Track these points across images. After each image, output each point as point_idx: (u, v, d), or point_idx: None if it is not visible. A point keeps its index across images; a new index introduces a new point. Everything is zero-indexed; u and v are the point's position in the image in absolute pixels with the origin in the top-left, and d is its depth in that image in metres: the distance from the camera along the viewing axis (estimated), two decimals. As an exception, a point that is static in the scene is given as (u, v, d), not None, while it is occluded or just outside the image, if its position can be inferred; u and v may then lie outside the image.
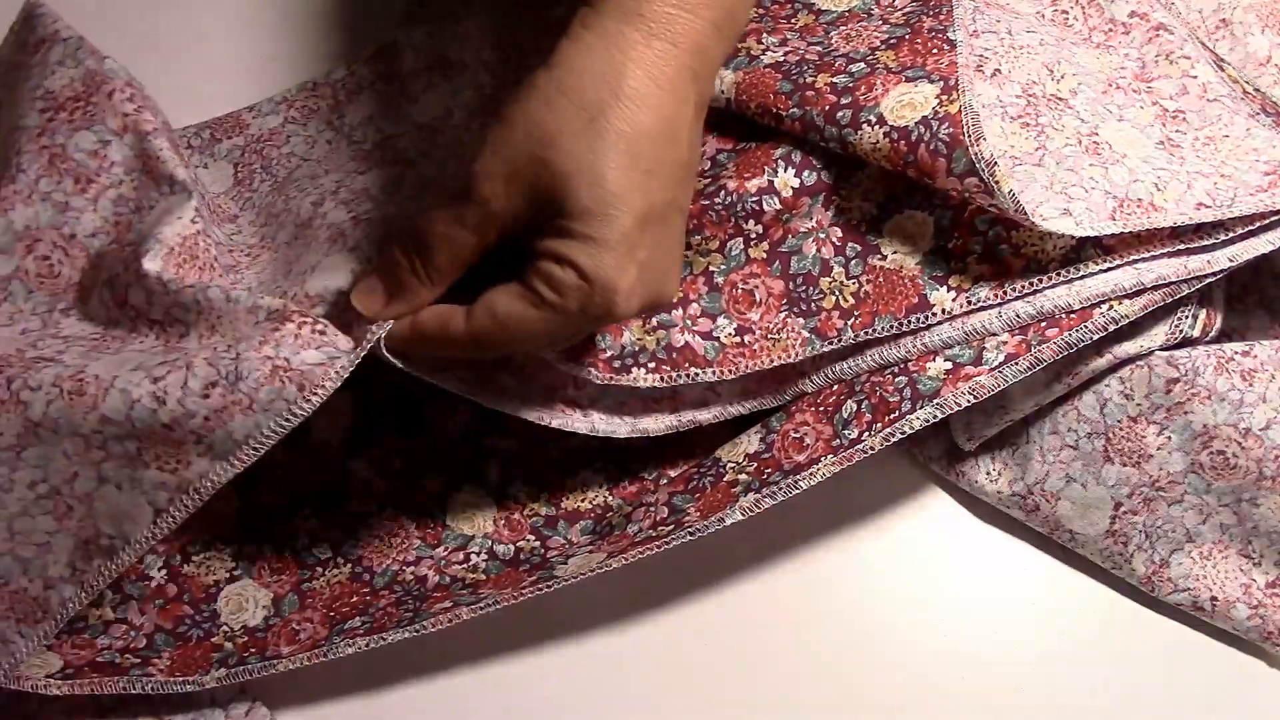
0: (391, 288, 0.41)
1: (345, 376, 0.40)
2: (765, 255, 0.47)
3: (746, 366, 0.46)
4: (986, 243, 0.45)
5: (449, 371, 0.44)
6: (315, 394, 0.40)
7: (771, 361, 0.46)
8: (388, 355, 0.41)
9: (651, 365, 0.46)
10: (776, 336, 0.46)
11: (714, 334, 0.47)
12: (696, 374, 0.46)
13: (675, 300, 0.46)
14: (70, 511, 0.42)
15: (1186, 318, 0.46)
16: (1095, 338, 0.43)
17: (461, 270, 0.41)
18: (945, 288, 0.45)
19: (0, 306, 0.46)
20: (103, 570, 0.42)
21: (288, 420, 0.40)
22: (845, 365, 0.47)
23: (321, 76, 0.58)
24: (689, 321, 0.47)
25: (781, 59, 0.48)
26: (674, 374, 0.46)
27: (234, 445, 0.40)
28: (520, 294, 0.39)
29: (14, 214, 0.45)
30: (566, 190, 0.38)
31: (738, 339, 0.47)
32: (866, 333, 0.45)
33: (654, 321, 0.47)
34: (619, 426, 0.47)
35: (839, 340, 0.46)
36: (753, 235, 0.47)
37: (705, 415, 0.48)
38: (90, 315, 0.46)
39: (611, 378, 0.46)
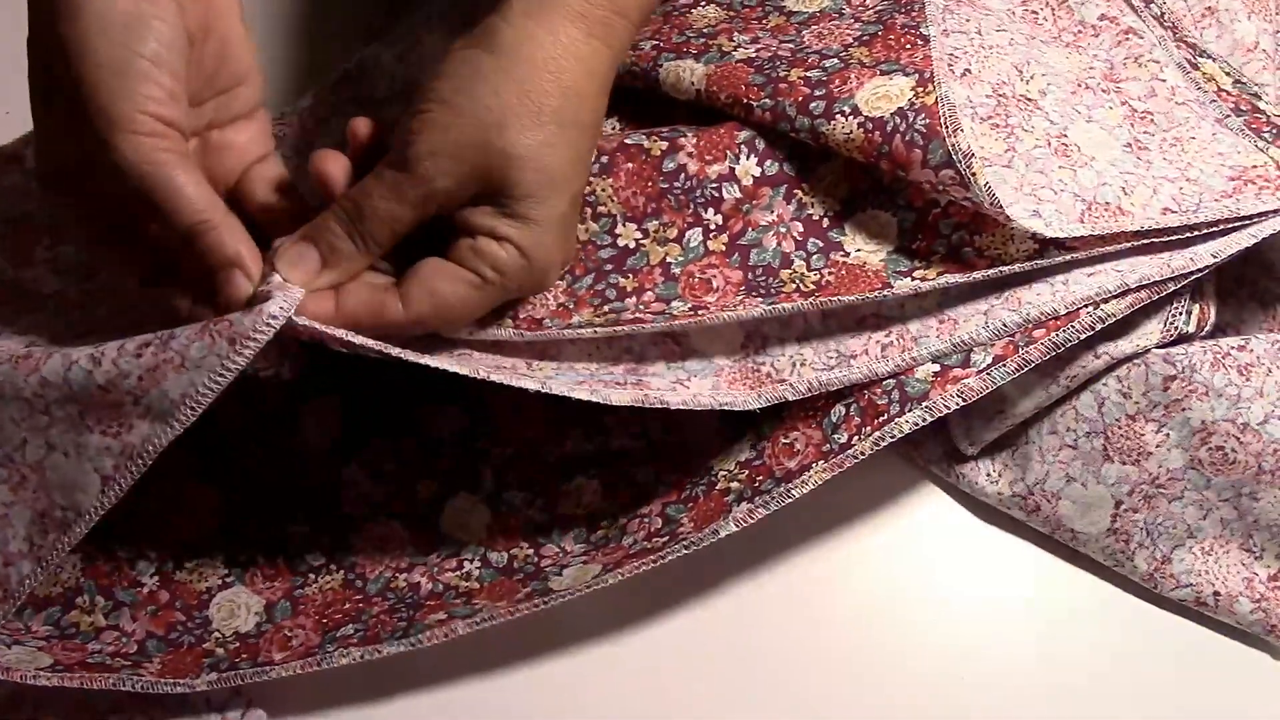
0: (325, 254, 0.41)
1: (275, 329, 0.39)
2: (724, 248, 0.47)
3: (694, 325, 0.45)
4: (950, 245, 0.45)
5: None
6: (247, 345, 0.39)
7: (723, 320, 0.45)
8: (299, 322, 0.40)
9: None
10: (734, 311, 0.45)
11: (666, 312, 0.46)
12: (644, 327, 0.45)
13: (629, 290, 0.47)
14: (24, 481, 0.42)
15: (1180, 314, 0.46)
16: (1082, 337, 0.43)
17: (395, 242, 0.41)
18: (910, 279, 0.45)
19: (28, 316, 0.48)
20: (58, 544, 0.42)
21: (222, 376, 0.39)
22: (832, 374, 0.45)
23: (289, 107, 0.56)
24: (641, 307, 0.46)
25: (754, 55, 0.49)
26: (619, 330, 0.45)
27: (171, 405, 0.39)
28: (461, 276, 0.41)
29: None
30: (513, 174, 0.40)
31: (690, 311, 0.46)
32: (829, 302, 0.45)
33: (606, 308, 0.46)
34: (577, 390, 0.44)
35: (796, 309, 0.45)
36: (712, 226, 0.47)
37: (674, 399, 0.45)
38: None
39: (553, 334, 0.45)
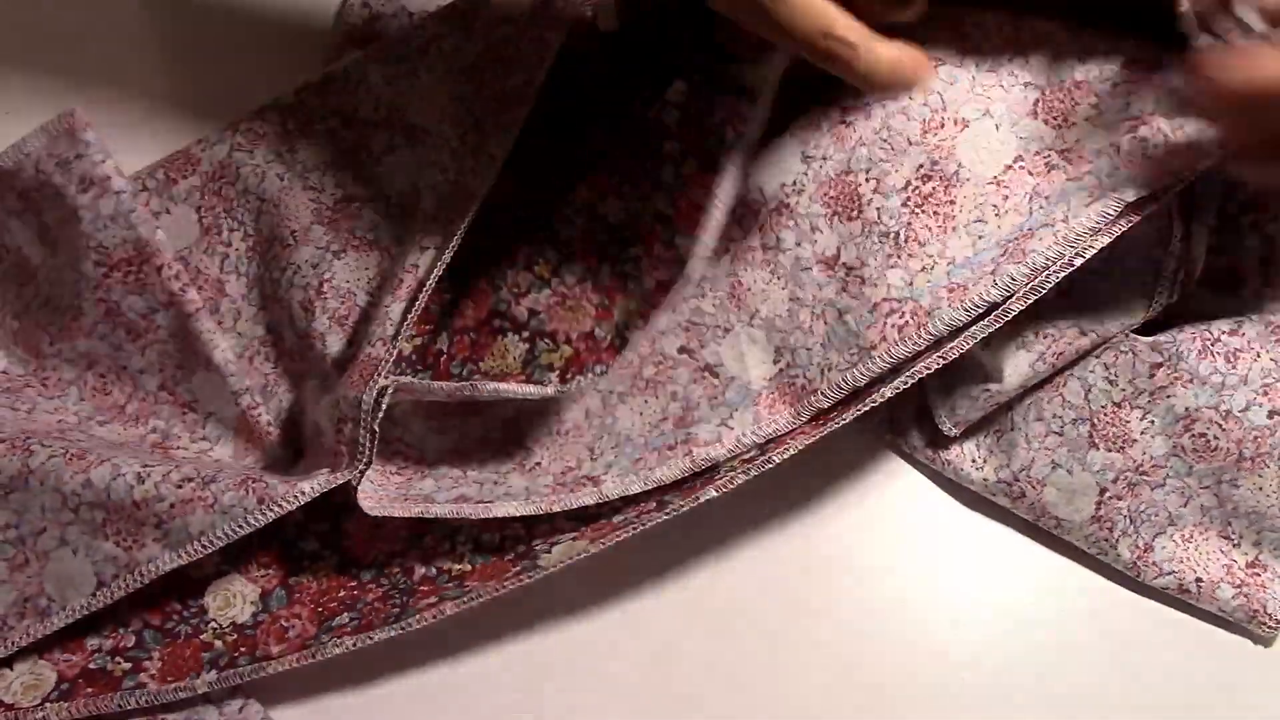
0: None
1: (302, 502, 0.43)
2: (698, 168, 0.48)
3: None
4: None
5: (434, 501, 0.46)
6: (271, 509, 0.43)
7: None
8: (360, 500, 0.44)
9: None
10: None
11: (677, 257, 0.48)
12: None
13: (639, 255, 0.48)
14: (25, 565, 0.45)
15: (1165, 289, 0.47)
16: (1063, 275, 0.41)
17: None
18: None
19: (52, 400, 0.50)
20: (30, 630, 0.45)
21: (241, 527, 0.43)
22: (856, 371, 0.44)
23: (268, 101, 0.55)
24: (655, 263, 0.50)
25: None
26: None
27: (187, 538, 0.43)
28: None
29: (79, 341, 0.50)
30: None
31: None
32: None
33: (630, 285, 0.48)
34: (633, 484, 0.46)
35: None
36: (674, 153, 0.49)
37: (720, 452, 0.46)
38: (118, 431, 0.50)
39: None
